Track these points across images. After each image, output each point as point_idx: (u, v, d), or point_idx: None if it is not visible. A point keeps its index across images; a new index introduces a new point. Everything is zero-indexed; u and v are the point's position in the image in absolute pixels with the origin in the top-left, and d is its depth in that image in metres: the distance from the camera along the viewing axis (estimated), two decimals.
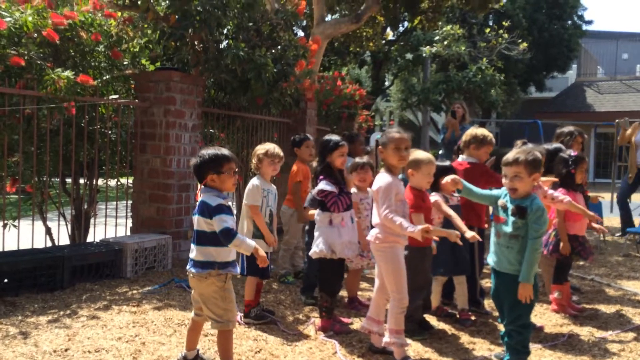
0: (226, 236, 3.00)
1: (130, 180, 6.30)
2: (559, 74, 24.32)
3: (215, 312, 3.10)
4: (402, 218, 3.40)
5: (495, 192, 3.56)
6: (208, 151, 3.17)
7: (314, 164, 5.40)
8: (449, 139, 7.20)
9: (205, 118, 6.83)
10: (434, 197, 4.25)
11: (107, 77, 5.74)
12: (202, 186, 3.18)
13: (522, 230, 3.26)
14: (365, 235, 4.08)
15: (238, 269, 3.21)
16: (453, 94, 15.77)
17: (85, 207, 5.93)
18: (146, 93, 5.99)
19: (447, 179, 3.60)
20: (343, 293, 4.87)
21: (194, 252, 3.14)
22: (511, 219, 3.31)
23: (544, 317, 4.56)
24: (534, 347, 3.76)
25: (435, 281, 4.45)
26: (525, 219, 3.24)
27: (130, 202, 6.20)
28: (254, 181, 4.31)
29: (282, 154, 4.46)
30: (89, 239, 5.90)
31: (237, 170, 3.24)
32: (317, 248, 4.04)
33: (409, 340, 3.66)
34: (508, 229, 3.32)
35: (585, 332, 4.22)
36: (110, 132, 5.95)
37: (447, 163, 4.43)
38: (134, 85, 6.12)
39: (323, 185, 4.06)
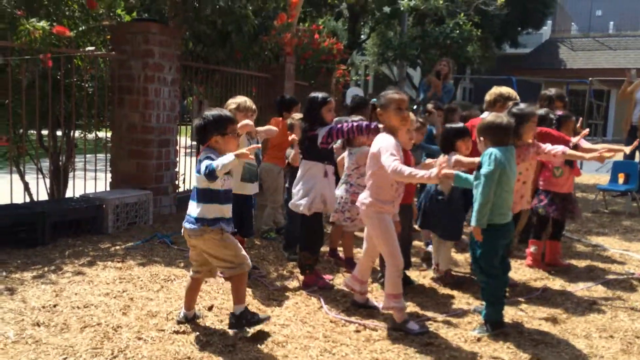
0: (209, 172, 2.90)
1: (108, 135, 6.20)
2: (533, 30, 24.33)
3: (226, 259, 3.15)
4: (410, 168, 3.35)
5: None
6: (211, 112, 3.15)
7: (289, 121, 5.31)
8: (430, 99, 7.21)
9: (184, 72, 6.70)
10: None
11: (83, 28, 5.56)
12: (205, 147, 3.15)
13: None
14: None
15: (230, 228, 3.22)
16: (430, 49, 15.66)
17: (63, 161, 5.84)
18: (123, 45, 5.83)
19: (442, 174, 3.62)
20: (324, 248, 4.96)
21: (190, 208, 3.19)
22: (475, 174, 3.45)
23: (519, 272, 4.74)
24: (510, 301, 3.92)
25: (444, 245, 4.48)
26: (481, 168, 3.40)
27: (108, 156, 6.11)
28: None
29: (254, 106, 4.36)
30: (68, 194, 5.84)
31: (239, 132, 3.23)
32: (313, 204, 3.97)
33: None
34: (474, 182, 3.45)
35: (558, 286, 4.42)
36: (87, 85, 5.80)
37: (461, 125, 4.43)
38: (111, 37, 5.94)
39: (324, 130, 3.96)
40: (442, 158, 3.54)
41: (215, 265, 3.23)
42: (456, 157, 4.14)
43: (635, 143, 4.94)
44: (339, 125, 3.95)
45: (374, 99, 3.54)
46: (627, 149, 4.78)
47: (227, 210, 3.21)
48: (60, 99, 5.31)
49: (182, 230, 3.24)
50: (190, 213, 3.17)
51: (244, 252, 3.22)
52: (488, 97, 4.76)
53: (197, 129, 3.17)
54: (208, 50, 6.78)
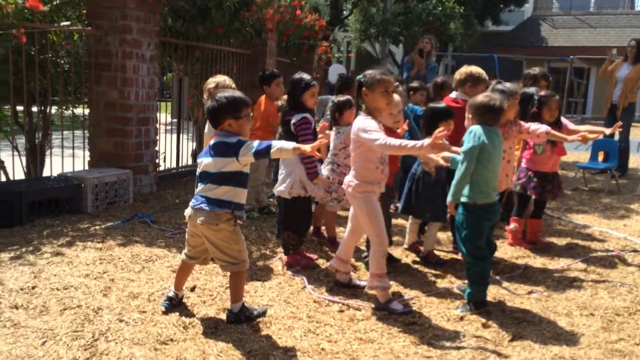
0: (265, 148, 2.87)
1: (86, 112, 6.06)
2: (515, 7, 24.31)
3: (230, 254, 3.04)
4: (399, 140, 3.30)
5: None
6: (225, 94, 3.00)
7: (280, 102, 5.25)
8: (414, 78, 7.14)
9: (163, 48, 6.55)
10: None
11: (57, 2, 5.37)
12: (218, 131, 3.01)
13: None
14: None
15: (245, 214, 3.13)
16: (412, 26, 15.56)
17: (39, 139, 5.70)
18: (99, 20, 5.66)
19: (438, 158, 3.67)
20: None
21: (208, 191, 2.98)
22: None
23: (501, 250, 4.77)
24: (492, 279, 3.94)
25: (433, 226, 4.47)
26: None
27: (86, 133, 5.98)
28: None
29: (233, 85, 4.30)
30: (45, 172, 5.72)
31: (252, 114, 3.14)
32: (292, 189, 3.99)
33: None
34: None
35: (539, 264, 4.46)
36: (62, 61, 5.63)
37: (443, 105, 4.36)
38: (87, 12, 5.76)
39: (298, 116, 3.96)
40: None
41: (217, 257, 3.07)
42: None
43: (616, 125, 4.97)
44: (305, 129, 3.95)
45: (359, 76, 3.44)
46: (608, 131, 4.82)
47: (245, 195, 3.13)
48: (35, 74, 5.16)
49: (188, 214, 3.06)
50: (211, 195, 2.97)
51: (246, 249, 3.13)
52: (458, 75, 4.72)
53: (210, 111, 3.00)
54: (188, 26, 6.63)
